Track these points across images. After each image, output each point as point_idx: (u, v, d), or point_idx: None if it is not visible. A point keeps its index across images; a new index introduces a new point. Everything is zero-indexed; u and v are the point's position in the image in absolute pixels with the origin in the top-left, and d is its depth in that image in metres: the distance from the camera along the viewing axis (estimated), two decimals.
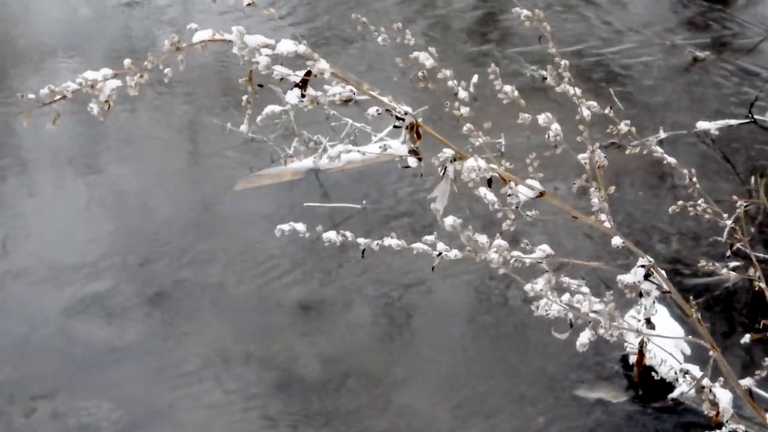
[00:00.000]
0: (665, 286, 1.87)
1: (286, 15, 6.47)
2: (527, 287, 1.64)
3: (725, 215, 2.30)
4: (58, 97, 1.36)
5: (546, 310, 1.64)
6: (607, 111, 1.94)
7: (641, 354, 1.87)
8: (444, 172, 1.55)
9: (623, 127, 1.91)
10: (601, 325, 1.67)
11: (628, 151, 2.07)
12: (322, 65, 1.43)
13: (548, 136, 1.60)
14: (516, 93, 1.61)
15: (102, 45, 6.20)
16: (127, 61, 1.42)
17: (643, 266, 1.84)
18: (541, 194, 1.64)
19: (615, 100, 5.39)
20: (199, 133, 5.35)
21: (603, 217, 1.68)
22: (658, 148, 2.11)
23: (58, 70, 5.85)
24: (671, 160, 2.09)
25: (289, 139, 4.99)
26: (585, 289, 1.90)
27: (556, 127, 1.59)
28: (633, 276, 1.86)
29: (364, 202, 4.76)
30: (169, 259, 4.43)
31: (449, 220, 1.62)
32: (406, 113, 1.52)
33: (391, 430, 3.64)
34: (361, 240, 1.95)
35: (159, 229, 4.62)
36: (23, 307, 4.17)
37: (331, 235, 1.94)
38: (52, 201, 4.85)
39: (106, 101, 1.41)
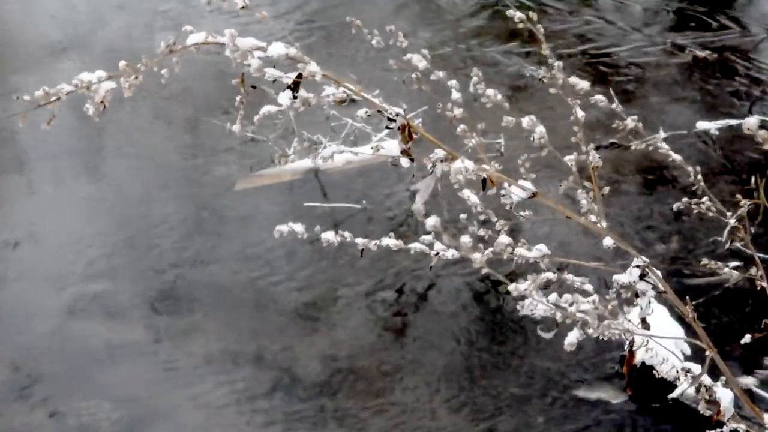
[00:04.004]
0: (660, 286, 1.88)
1: (284, 13, 6.47)
2: (511, 287, 1.65)
3: (728, 214, 2.30)
4: (53, 98, 1.37)
5: (531, 310, 1.64)
6: (614, 106, 1.94)
7: (631, 354, 1.88)
8: (432, 170, 1.56)
9: (630, 122, 1.91)
10: (589, 324, 1.68)
11: (633, 147, 2.07)
12: (313, 68, 1.44)
13: (533, 139, 1.60)
14: (499, 97, 1.62)
15: (101, 44, 6.20)
16: (121, 63, 1.43)
17: (638, 266, 1.84)
18: (534, 195, 1.65)
19: (615, 100, 5.39)
20: (198, 133, 5.36)
21: (593, 218, 1.69)
22: (664, 145, 2.11)
23: (58, 69, 5.85)
24: (677, 157, 2.09)
25: (289, 139, 4.99)
26: (588, 287, 1.90)
27: (540, 129, 1.60)
28: (628, 276, 1.87)
29: (364, 202, 4.77)
30: (169, 258, 4.44)
31: (431, 221, 1.62)
32: (397, 114, 1.53)
33: (391, 430, 3.64)
34: (359, 240, 1.96)
35: (159, 229, 4.63)
36: (23, 307, 4.18)
37: (329, 236, 1.94)
38: (52, 201, 4.86)
39: (101, 102, 1.42)
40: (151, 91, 5.55)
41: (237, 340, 4.01)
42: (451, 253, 1.85)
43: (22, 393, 3.77)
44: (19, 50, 6.12)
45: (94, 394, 3.77)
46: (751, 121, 1.81)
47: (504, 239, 1.75)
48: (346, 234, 1.94)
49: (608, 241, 1.80)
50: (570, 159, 1.70)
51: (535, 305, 1.63)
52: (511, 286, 1.66)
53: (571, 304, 1.70)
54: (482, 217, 1.71)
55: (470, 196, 1.59)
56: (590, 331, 1.69)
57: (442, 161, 1.53)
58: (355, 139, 5.05)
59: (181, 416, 3.70)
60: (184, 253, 4.48)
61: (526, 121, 1.62)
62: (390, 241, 1.91)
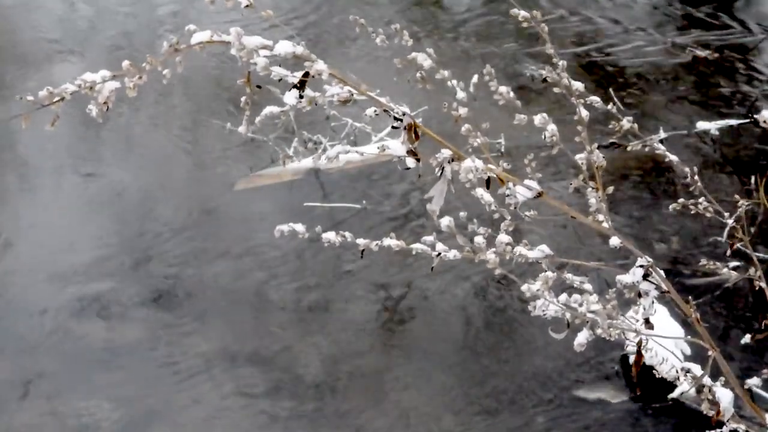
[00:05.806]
0: (664, 286, 1.87)
1: (288, 12, 6.46)
2: (524, 287, 1.64)
3: (726, 214, 2.30)
4: (56, 99, 1.36)
5: (543, 311, 1.64)
6: (610, 107, 1.94)
7: (639, 354, 1.88)
8: (441, 173, 1.55)
9: (626, 123, 1.91)
10: (598, 325, 1.68)
11: (629, 148, 2.08)
12: (320, 66, 1.43)
13: (545, 137, 1.60)
14: (511, 94, 1.62)
15: (104, 44, 6.20)
16: (125, 63, 1.42)
17: (641, 266, 1.84)
18: (539, 194, 1.64)
19: (615, 100, 5.39)
20: (199, 133, 5.36)
21: (600, 217, 1.69)
22: (660, 146, 2.11)
23: (59, 69, 5.85)
24: (673, 157, 2.10)
25: (289, 139, 4.99)
26: (588, 287, 1.90)
27: (552, 127, 1.60)
28: (632, 276, 1.86)
29: (364, 202, 4.76)
30: (170, 259, 4.43)
31: (445, 221, 1.61)
32: (404, 114, 1.53)
33: (391, 430, 3.64)
34: (360, 240, 1.95)
35: (159, 229, 4.62)
36: (23, 307, 4.17)
37: (330, 236, 1.93)
38: (52, 201, 4.85)
39: (104, 103, 1.41)
40: (152, 90, 5.55)
41: (237, 340, 4.01)
42: (452, 254, 1.84)
43: (22, 393, 3.76)
44: (21, 51, 6.11)
45: (94, 394, 3.76)
46: (766, 114, 1.81)
47: (504, 238, 1.75)
48: (347, 234, 1.93)
49: (614, 241, 1.80)
50: (580, 158, 1.69)
51: (547, 306, 1.63)
52: (524, 287, 1.65)
53: (580, 305, 1.70)
54: (496, 216, 1.71)
55: (483, 195, 1.59)
56: (599, 331, 1.68)
57: (449, 162, 1.52)
58: (356, 139, 5.05)
59: (181, 416, 3.70)
60: (184, 252, 4.47)
61: (537, 119, 1.61)
62: (391, 242, 1.90)
